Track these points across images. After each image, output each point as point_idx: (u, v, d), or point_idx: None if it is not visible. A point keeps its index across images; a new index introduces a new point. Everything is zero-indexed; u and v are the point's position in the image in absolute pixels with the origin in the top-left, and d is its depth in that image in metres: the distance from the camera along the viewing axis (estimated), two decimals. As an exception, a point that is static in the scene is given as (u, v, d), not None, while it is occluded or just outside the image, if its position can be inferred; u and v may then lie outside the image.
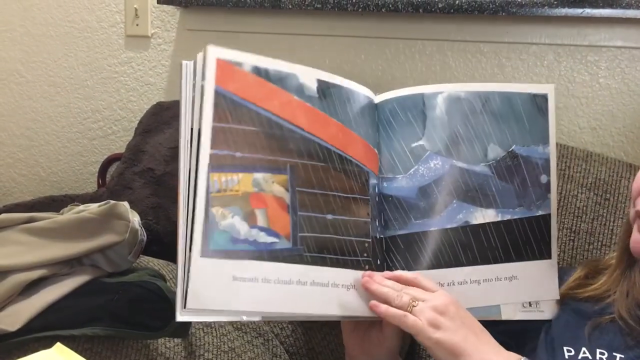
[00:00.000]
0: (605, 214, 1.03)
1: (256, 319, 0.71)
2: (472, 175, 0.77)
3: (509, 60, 1.25)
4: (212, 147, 0.63)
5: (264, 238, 0.66)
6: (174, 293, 0.81)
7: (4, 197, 1.67)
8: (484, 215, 0.77)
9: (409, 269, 0.74)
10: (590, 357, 0.71)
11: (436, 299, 0.69)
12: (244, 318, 0.66)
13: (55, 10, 1.55)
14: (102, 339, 0.79)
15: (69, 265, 0.83)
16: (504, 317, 0.77)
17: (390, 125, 0.76)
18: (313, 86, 0.70)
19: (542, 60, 1.23)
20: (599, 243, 1.02)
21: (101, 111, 1.56)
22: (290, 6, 1.29)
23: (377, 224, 0.75)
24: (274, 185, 0.67)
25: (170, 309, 0.79)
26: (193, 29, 1.46)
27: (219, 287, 0.63)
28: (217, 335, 0.90)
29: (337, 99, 0.72)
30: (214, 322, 0.91)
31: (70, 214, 0.86)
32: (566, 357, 0.73)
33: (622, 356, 0.70)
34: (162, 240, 1.15)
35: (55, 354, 0.58)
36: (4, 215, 0.84)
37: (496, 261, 0.77)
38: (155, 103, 1.37)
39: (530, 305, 0.79)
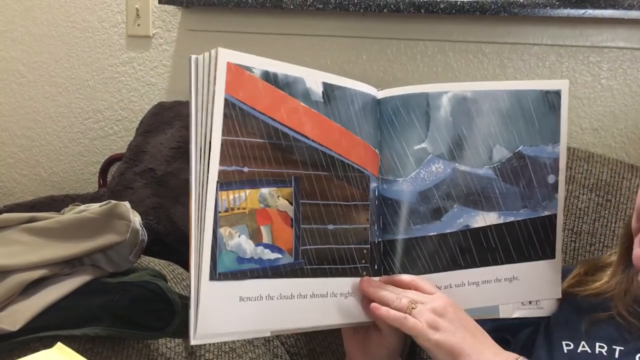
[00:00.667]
0: (606, 215, 1.03)
1: (266, 335, 0.72)
2: (475, 178, 0.75)
3: (511, 61, 1.25)
4: (221, 162, 0.63)
5: (268, 255, 0.66)
6: (175, 293, 0.81)
7: (5, 197, 1.67)
8: (486, 219, 0.75)
9: (406, 272, 0.73)
10: (589, 351, 0.71)
11: (435, 301, 0.69)
12: (254, 335, 0.67)
13: (57, 11, 1.55)
14: (103, 339, 0.79)
15: (70, 265, 0.83)
16: (502, 316, 0.77)
17: (392, 125, 0.74)
18: (319, 90, 0.70)
19: (544, 61, 1.23)
20: (601, 244, 1.01)
21: (102, 111, 1.56)
22: (291, 6, 1.29)
23: (376, 228, 0.74)
24: (279, 200, 0.67)
25: (171, 309, 0.79)
26: (194, 29, 1.46)
27: (227, 310, 0.63)
28: (218, 335, 0.90)
29: (341, 102, 0.72)
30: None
31: (71, 214, 0.86)
32: (565, 351, 0.73)
33: (622, 348, 0.70)
34: (163, 241, 1.15)
35: (56, 353, 0.58)
36: (5, 215, 0.84)
37: (496, 263, 0.76)
38: (156, 103, 1.37)
39: (530, 303, 0.78)
